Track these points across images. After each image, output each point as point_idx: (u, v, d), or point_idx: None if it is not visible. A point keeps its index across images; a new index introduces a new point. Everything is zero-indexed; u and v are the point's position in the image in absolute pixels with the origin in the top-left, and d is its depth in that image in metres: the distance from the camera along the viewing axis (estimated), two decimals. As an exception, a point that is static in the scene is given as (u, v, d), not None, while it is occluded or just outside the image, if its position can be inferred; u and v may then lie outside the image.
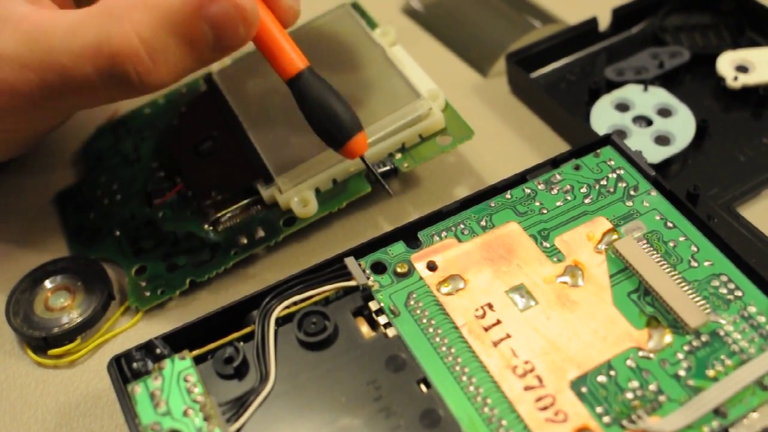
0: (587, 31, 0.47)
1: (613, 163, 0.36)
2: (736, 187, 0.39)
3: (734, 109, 0.43)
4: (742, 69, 0.44)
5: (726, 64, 0.44)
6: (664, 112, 0.42)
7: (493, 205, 0.35)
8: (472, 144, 0.39)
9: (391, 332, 0.31)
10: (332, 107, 0.34)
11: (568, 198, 0.35)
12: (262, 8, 0.34)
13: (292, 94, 0.34)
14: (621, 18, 0.47)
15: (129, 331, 0.37)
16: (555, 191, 0.35)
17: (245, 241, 0.37)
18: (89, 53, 0.31)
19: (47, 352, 0.36)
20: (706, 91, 0.44)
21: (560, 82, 0.45)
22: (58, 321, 0.36)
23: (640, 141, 0.40)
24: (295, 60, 0.34)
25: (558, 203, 0.35)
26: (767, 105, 0.43)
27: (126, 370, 0.31)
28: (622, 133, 0.41)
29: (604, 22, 0.47)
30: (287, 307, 0.32)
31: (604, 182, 0.35)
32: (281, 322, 0.32)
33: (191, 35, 0.32)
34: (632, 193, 0.35)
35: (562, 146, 0.42)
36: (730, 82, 0.43)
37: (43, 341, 0.36)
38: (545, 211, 0.35)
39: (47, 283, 0.37)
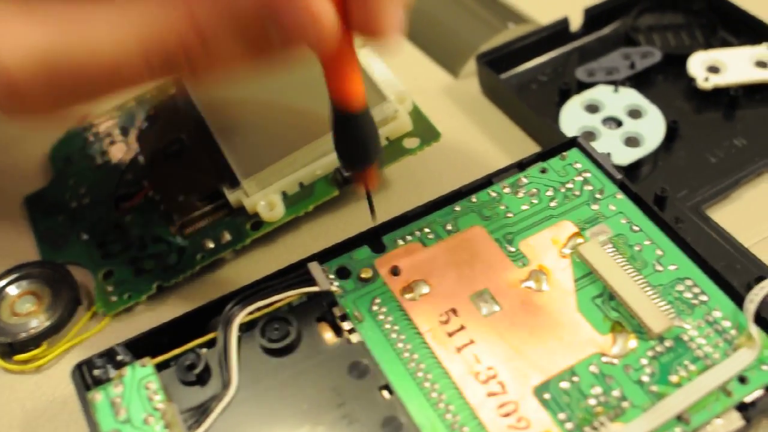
0: (559, 31, 0.46)
1: (579, 165, 0.36)
2: (705, 188, 0.39)
3: (705, 110, 0.43)
4: (713, 69, 0.43)
5: (697, 64, 0.44)
6: (635, 113, 0.41)
7: (458, 209, 0.35)
8: (442, 145, 0.39)
9: (354, 338, 0.31)
10: (377, 144, 0.31)
11: (534, 201, 0.35)
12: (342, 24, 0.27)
13: (338, 122, 0.31)
14: (593, 18, 0.47)
15: (96, 336, 0.36)
16: (521, 194, 0.35)
17: (212, 245, 0.37)
18: (137, 34, 0.27)
19: (13, 358, 0.36)
20: (677, 92, 0.44)
21: (531, 83, 0.45)
22: (25, 326, 0.36)
23: (609, 142, 0.40)
24: (363, 92, 0.30)
25: (523, 207, 0.35)
26: (738, 106, 0.43)
27: (88, 377, 0.31)
28: (591, 135, 0.41)
29: (575, 22, 0.47)
30: (251, 312, 0.32)
31: (570, 185, 0.35)
32: (245, 328, 0.32)
33: (251, 31, 0.27)
34: (598, 196, 0.35)
35: (532, 148, 0.42)
36: (701, 83, 0.43)
37: (8, 347, 0.35)
38: (510, 215, 0.34)
39: (13, 288, 0.37)
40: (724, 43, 0.46)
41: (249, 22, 0.27)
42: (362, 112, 0.30)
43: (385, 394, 0.30)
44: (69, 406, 0.34)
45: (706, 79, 0.43)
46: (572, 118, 0.41)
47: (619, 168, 0.36)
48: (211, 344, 0.31)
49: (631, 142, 0.40)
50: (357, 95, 0.30)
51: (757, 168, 0.40)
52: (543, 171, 0.36)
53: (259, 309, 0.32)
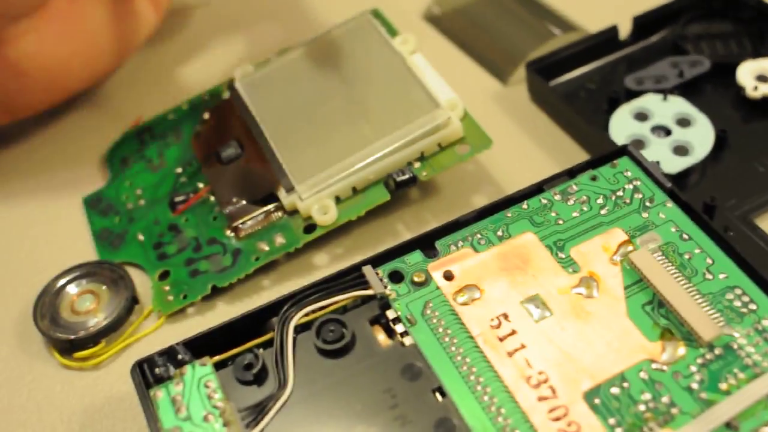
0: (607, 39, 0.47)
1: (629, 174, 0.36)
2: (754, 198, 0.39)
3: (754, 119, 0.43)
4: (762, 78, 0.44)
5: (746, 73, 0.44)
6: (683, 122, 0.42)
7: (509, 215, 0.35)
8: (492, 152, 0.40)
9: (407, 341, 0.32)
10: None
11: (585, 209, 0.35)
12: None
13: None
14: (641, 26, 0.47)
15: (152, 335, 0.37)
16: (571, 202, 0.36)
17: (266, 247, 0.38)
18: None
19: (73, 355, 0.37)
20: (726, 101, 0.44)
21: (580, 91, 0.46)
22: (84, 324, 0.37)
23: (658, 151, 0.40)
24: None
25: (574, 214, 0.35)
26: (787, 115, 0.43)
27: (148, 374, 0.31)
28: (640, 143, 0.41)
29: (624, 30, 0.47)
30: (306, 314, 0.32)
31: (620, 193, 0.36)
32: (300, 329, 0.32)
33: None
34: (648, 204, 0.35)
35: (581, 155, 0.43)
36: (750, 92, 0.43)
37: (69, 344, 0.36)
38: (561, 222, 0.35)
39: (73, 287, 0.38)
40: (774, 51, 0.46)
41: None
42: None
43: (438, 396, 0.30)
44: (126, 403, 0.35)
45: (755, 88, 0.43)
46: (621, 126, 0.42)
47: (668, 176, 0.36)
48: (266, 345, 0.32)
49: (680, 150, 0.41)
50: None
51: (806, 177, 0.40)
52: (593, 178, 0.36)
53: (314, 311, 0.33)
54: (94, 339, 0.37)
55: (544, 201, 0.36)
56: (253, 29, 0.53)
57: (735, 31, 0.48)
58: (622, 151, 0.37)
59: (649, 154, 0.40)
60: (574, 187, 0.36)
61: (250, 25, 0.54)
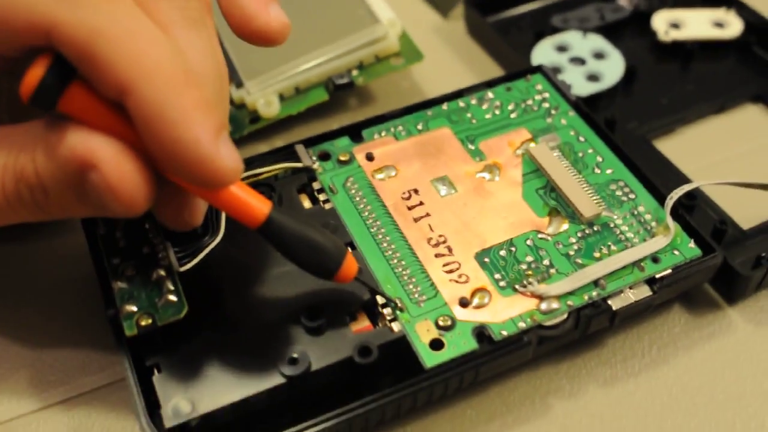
0: (543, -17, 0.52)
1: (540, 87, 0.41)
2: (654, 122, 0.44)
3: (664, 61, 0.48)
4: (674, 26, 0.48)
5: (661, 20, 0.49)
6: (599, 56, 0.46)
7: (429, 113, 0.40)
8: (426, 73, 0.44)
9: (327, 206, 0.36)
10: (314, 241, 0.30)
11: (497, 112, 0.40)
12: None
13: (266, 240, 0.30)
14: (575, -27, 0.52)
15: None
16: (486, 106, 0.40)
17: (215, 134, 0.42)
18: None
19: None
20: (641, 44, 0.49)
21: (512, 27, 0.50)
22: None
23: (572, 77, 0.45)
24: (257, 205, 0.30)
25: (487, 116, 0.40)
26: (693, 59, 0.48)
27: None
28: (557, 70, 0.46)
29: (558, -23, 0.52)
30: (243, 179, 0.37)
31: (529, 102, 0.40)
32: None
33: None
34: (553, 112, 0.40)
35: (506, 80, 0.47)
36: (662, 36, 0.48)
37: None
38: (475, 121, 0.40)
39: None
40: (689, 4, 0.51)
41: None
42: (272, 213, 0.30)
43: (349, 249, 0.35)
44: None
45: (667, 33, 0.48)
46: (542, 56, 0.46)
47: (578, 98, 0.41)
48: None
49: (593, 78, 0.45)
50: (253, 208, 0.30)
51: (702, 110, 0.45)
52: (508, 89, 0.41)
53: (249, 177, 0.37)
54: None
55: (462, 104, 0.40)
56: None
57: (660, -18, 0.52)
58: (537, 69, 0.42)
59: (564, 79, 0.44)
60: (490, 94, 0.41)
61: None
